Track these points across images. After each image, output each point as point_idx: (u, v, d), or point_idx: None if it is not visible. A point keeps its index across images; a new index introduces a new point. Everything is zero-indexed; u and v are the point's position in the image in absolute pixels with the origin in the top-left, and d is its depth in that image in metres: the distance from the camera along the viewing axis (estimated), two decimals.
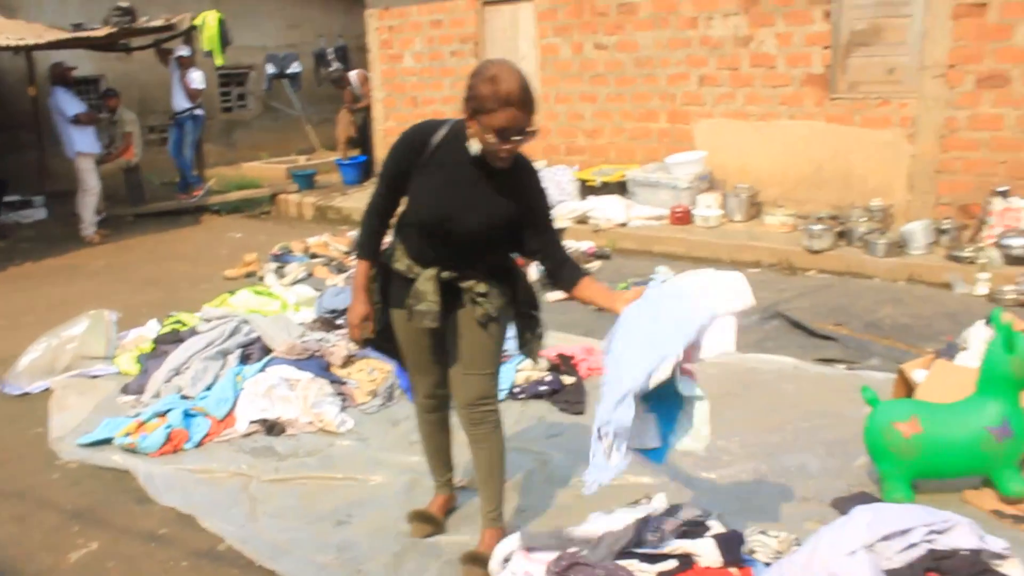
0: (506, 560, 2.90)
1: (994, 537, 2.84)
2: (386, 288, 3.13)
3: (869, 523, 2.55)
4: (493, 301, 3.01)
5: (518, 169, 2.91)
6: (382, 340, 3.22)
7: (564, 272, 2.99)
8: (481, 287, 2.99)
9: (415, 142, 2.93)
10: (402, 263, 3.03)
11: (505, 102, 2.66)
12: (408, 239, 3.03)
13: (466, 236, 2.91)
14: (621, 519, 3.03)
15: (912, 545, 2.55)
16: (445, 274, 2.96)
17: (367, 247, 3.11)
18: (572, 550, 2.82)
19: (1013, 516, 3.25)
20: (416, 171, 2.92)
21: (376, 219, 3.09)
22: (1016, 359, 3.25)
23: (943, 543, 2.60)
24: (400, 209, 3.09)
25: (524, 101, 2.70)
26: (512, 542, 2.92)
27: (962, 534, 2.64)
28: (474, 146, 2.81)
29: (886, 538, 2.53)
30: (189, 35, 11.15)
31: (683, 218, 8.45)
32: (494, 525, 3.17)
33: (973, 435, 3.29)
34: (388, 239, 3.16)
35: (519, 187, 2.93)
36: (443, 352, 3.16)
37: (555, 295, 6.00)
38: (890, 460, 3.38)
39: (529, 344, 3.21)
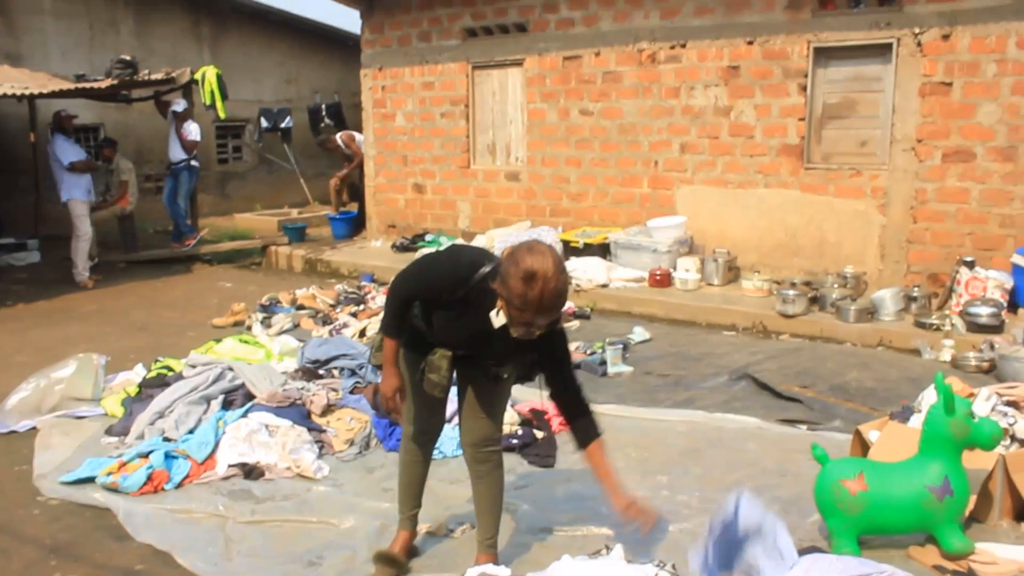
0: None
1: None
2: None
3: (806, 571, 2.72)
4: (507, 369, 3.26)
5: (552, 335, 3.04)
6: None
7: (578, 423, 3.20)
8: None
9: (457, 280, 2.99)
10: (420, 326, 3.23)
11: (535, 308, 2.75)
12: (429, 322, 3.20)
13: (486, 360, 3.19)
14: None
15: None
16: (460, 353, 3.21)
17: (395, 327, 3.17)
18: None
19: (953, 572, 3.40)
20: (446, 304, 3.05)
21: (403, 305, 3.14)
22: (955, 421, 3.44)
23: None
24: None
25: (553, 307, 2.78)
26: (479, 572, 3.14)
27: None
28: (498, 319, 2.93)
29: None
30: (189, 88, 11.46)
31: (663, 281, 8.66)
32: (489, 551, 3.44)
33: (915, 493, 3.46)
34: (382, 300, 3.39)
35: (536, 347, 3.05)
36: (443, 398, 3.40)
37: None
38: (838, 516, 3.55)
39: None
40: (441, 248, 3.47)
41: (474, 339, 3.12)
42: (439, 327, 3.15)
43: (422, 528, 3.79)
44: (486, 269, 2.97)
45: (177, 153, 11.42)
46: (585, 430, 3.19)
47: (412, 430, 3.48)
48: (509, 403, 4.27)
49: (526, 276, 2.71)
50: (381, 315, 3.30)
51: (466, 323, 3.07)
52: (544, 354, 3.12)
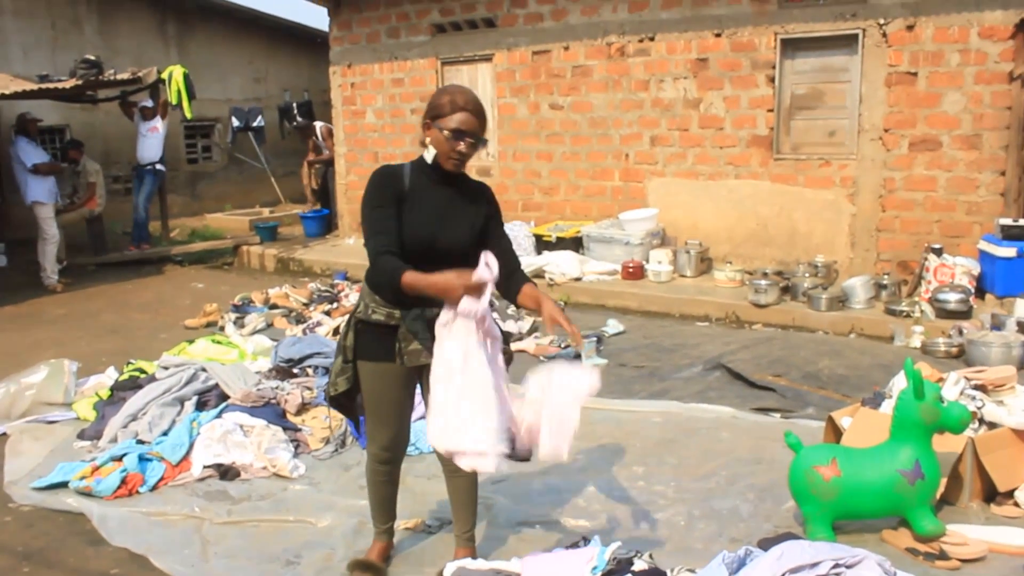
0: None
1: (905, 573, 3.05)
2: (356, 345, 3.26)
3: (779, 557, 2.74)
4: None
5: (480, 189, 3.29)
6: (345, 398, 3.37)
7: (512, 283, 3.21)
8: None
9: (392, 177, 3.15)
10: (380, 313, 3.17)
11: (461, 107, 3.05)
12: (384, 287, 3.15)
13: (450, 252, 3.09)
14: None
15: None
16: (428, 312, 3.09)
17: (401, 266, 2.97)
18: None
19: (925, 554, 3.45)
20: (402, 202, 3.11)
21: (393, 252, 3.02)
22: (925, 406, 3.49)
23: None
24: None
25: (476, 108, 3.08)
26: (456, 566, 3.15)
27: (869, 568, 2.83)
28: (429, 153, 3.12)
29: (795, 571, 2.72)
30: (156, 88, 11.34)
31: (636, 273, 8.70)
32: (467, 545, 3.45)
33: (887, 478, 3.51)
34: (355, 297, 3.30)
35: (482, 201, 3.25)
36: (408, 407, 3.35)
37: None
38: (812, 502, 3.59)
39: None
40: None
41: (441, 223, 3.11)
42: (407, 229, 3.08)
43: (400, 525, 3.78)
44: (405, 164, 3.20)
45: (145, 154, 11.29)
46: (519, 279, 3.23)
47: (375, 449, 3.40)
48: None
49: (448, 91, 3.11)
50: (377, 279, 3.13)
51: (425, 206, 3.11)
52: (488, 219, 3.24)
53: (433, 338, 3.05)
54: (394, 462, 3.46)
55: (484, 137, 3.12)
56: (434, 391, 3.00)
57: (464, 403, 2.93)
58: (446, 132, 3.04)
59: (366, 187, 3.17)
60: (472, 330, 2.94)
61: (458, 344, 2.94)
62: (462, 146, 3.06)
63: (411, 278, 2.93)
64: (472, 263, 2.95)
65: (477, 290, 2.87)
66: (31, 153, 9.98)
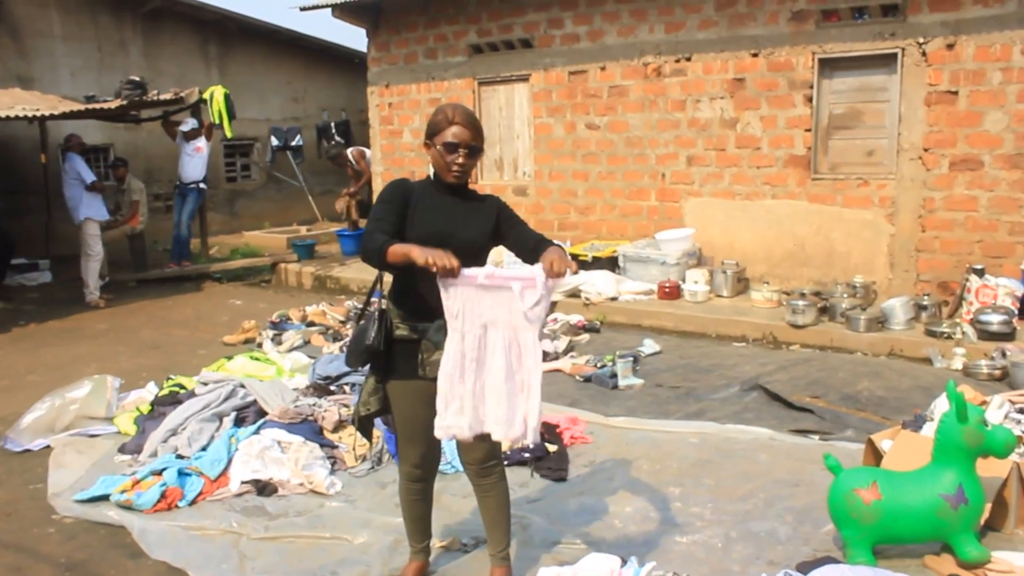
0: None
1: None
2: (386, 366, 3.29)
3: None
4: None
5: (487, 198, 3.37)
6: (366, 419, 3.43)
7: (536, 254, 3.16)
8: None
9: (401, 184, 3.28)
10: (403, 329, 3.22)
11: (450, 121, 3.16)
12: (407, 298, 3.20)
13: (463, 250, 3.03)
14: None
15: None
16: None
17: (390, 239, 3.01)
18: None
19: None
20: (409, 206, 3.20)
21: (386, 232, 3.06)
22: (968, 429, 3.43)
23: None
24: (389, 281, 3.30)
25: (467, 121, 3.17)
26: None
27: None
28: (431, 168, 3.27)
29: None
30: (197, 108, 11.55)
31: (672, 293, 8.66)
32: (502, 564, 3.44)
33: (929, 502, 3.45)
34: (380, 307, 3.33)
35: (491, 206, 3.32)
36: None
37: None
38: (852, 525, 3.54)
39: None
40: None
41: (451, 223, 3.17)
42: (419, 227, 3.13)
43: (436, 544, 3.79)
44: (418, 181, 3.32)
45: (189, 173, 11.48)
46: (542, 248, 3.16)
47: (407, 467, 3.43)
48: None
49: (441, 109, 3.23)
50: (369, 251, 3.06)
51: (434, 209, 3.20)
52: (505, 221, 3.32)
53: None
54: (426, 480, 3.48)
55: (478, 146, 3.20)
56: (441, 382, 3.08)
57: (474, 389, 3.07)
58: (440, 146, 3.15)
59: (378, 200, 3.27)
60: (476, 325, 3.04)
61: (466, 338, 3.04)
62: (459, 157, 3.15)
63: (395, 246, 2.98)
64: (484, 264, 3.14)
65: (448, 269, 2.89)
66: (86, 171, 10.20)
